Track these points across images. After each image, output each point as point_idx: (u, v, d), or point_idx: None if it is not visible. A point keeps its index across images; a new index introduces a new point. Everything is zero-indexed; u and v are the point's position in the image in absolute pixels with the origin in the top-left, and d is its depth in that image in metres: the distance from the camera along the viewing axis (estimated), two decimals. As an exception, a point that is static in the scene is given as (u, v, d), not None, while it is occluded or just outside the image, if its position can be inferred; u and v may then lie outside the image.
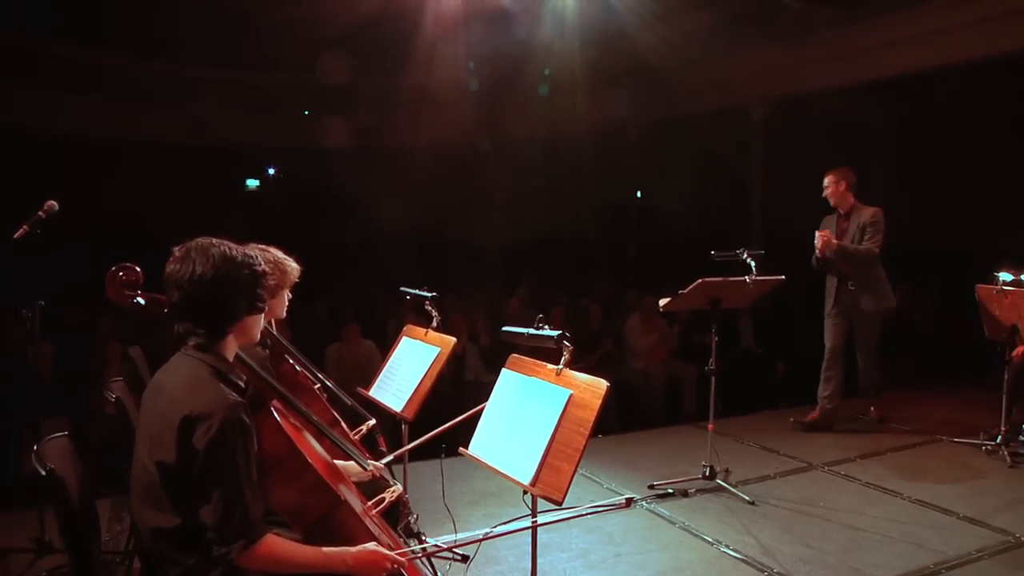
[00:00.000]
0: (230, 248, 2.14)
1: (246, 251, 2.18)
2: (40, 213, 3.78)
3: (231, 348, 2.20)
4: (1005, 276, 5.47)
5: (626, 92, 13.01)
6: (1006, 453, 5.40)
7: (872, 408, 6.36)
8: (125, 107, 12.81)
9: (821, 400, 6.19)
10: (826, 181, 6.05)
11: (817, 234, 5.87)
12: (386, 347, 4.15)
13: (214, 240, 2.14)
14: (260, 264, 2.20)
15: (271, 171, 16.87)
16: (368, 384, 3.96)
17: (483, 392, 2.95)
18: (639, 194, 15.52)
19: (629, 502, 2.41)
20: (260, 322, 2.27)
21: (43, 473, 2.05)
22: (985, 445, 5.61)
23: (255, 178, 16.75)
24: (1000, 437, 5.52)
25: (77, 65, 12.02)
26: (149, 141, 12.97)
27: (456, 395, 7.01)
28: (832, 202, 6.04)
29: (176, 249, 2.12)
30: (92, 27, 11.21)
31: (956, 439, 5.87)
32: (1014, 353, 5.65)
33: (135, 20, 11.00)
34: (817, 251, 5.89)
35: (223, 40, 11.39)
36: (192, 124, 13.25)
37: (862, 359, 6.23)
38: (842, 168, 6.04)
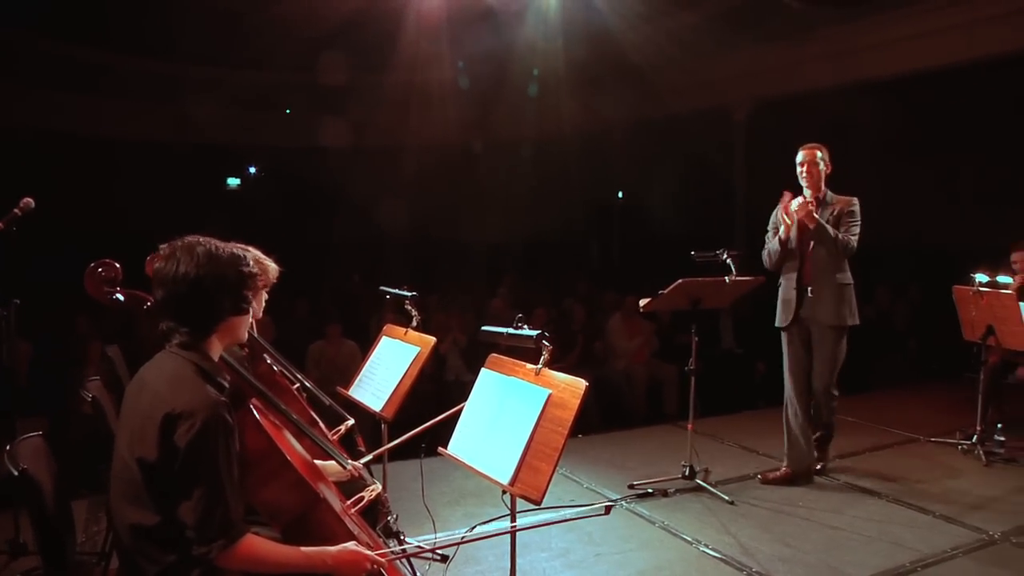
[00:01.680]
0: (216, 247, 2.12)
1: (234, 251, 2.17)
2: (16, 210, 3.74)
3: (216, 348, 2.18)
4: (981, 277, 5.54)
5: (611, 92, 13.05)
6: (981, 452, 5.47)
7: (817, 455, 5.19)
8: (109, 105, 12.72)
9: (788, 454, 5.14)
10: (807, 156, 4.90)
11: (791, 201, 4.84)
12: (368, 347, 4.14)
13: (201, 239, 2.13)
14: (248, 265, 2.19)
15: (252, 170, 16.77)
16: (349, 384, 3.95)
17: (464, 391, 2.95)
18: (620, 194, 15.57)
19: (608, 510, 2.41)
20: (247, 323, 2.26)
21: (15, 473, 2.03)
22: (961, 444, 5.68)
23: (236, 176, 16.63)
24: (976, 436, 5.58)
25: (59, 62, 11.90)
26: (133, 139, 12.87)
27: (438, 394, 7.01)
28: (807, 184, 4.91)
29: (163, 247, 2.12)
30: (75, 24, 11.10)
31: (933, 439, 5.94)
32: (990, 358, 5.73)
33: (120, 18, 10.91)
34: (785, 215, 4.87)
35: (209, 38, 11.32)
36: (176, 122, 13.17)
37: (821, 392, 5.02)
38: (821, 145, 4.97)
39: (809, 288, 4.91)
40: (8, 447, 2.13)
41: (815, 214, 4.77)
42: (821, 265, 4.88)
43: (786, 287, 5.04)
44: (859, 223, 4.86)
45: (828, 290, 4.86)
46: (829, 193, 4.95)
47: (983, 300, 5.48)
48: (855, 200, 4.90)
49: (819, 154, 4.90)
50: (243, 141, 14.45)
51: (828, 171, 4.94)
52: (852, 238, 4.80)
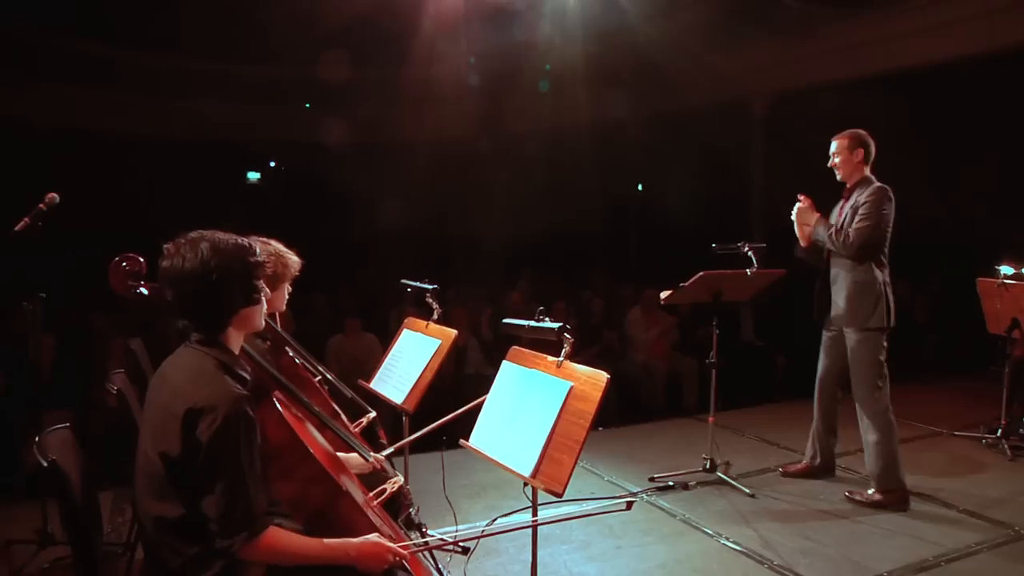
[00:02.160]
0: (220, 240, 2.09)
1: (239, 241, 2.14)
2: (41, 205, 3.78)
3: (235, 340, 2.18)
4: (1006, 269, 5.49)
5: (627, 86, 12.99)
6: (1006, 446, 5.42)
7: (874, 490, 4.56)
8: (126, 101, 12.79)
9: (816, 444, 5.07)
10: (836, 146, 4.65)
11: (798, 204, 4.76)
12: (388, 340, 4.16)
13: (205, 233, 2.10)
14: (255, 253, 2.16)
15: (272, 164, 16.84)
16: (368, 377, 3.96)
17: (484, 384, 2.95)
18: (640, 187, 15.52)
19: (630, 505, 2.40)
20: (261, 311, 2.24)
21: (44, 464, 2.06)
22: (985, 438, 5.63)
23: (256, 171, 16.70)
24: (1000, 430, 5.54)
25: (76, 59, 11.99)
26: (150, 135, 12.94)
27: (457, 388, 7.02)
28: (840, 175, 4.68)
29: (168, 245, 2.09)
30: (91, 20, 11.18)
31: (956, 432, 5.89)
32: (1015, 351, 5.67)
33: (135, 13, 10.97)
34: (796, 223, 4.80)
35: (224, 33, 11.37)
36: (193, 118, 13.23)
37: (857, 404, 4.66)
38: (857, 131, 4.66)
39: (832, 286, 4.71)
40: (37, 439, 2.16)
41: (814, 214, 4.69)
42: (839, 263, 4.67)
43: (819, 281, 4.82)
44: (875, 216, 4.43)
45: (846, 289, 4.59)
46: (865, 179, 4.59)
47: (1008, 292, 5.43)
48: (879, 189, 4.49)
49: (846, 142, 4.60)
50: (258, 137, 14.50)
51: (860, 157, 4.59)
52: (856, 234, 4.44)
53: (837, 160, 4.65)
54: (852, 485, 4.84)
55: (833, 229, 4.57)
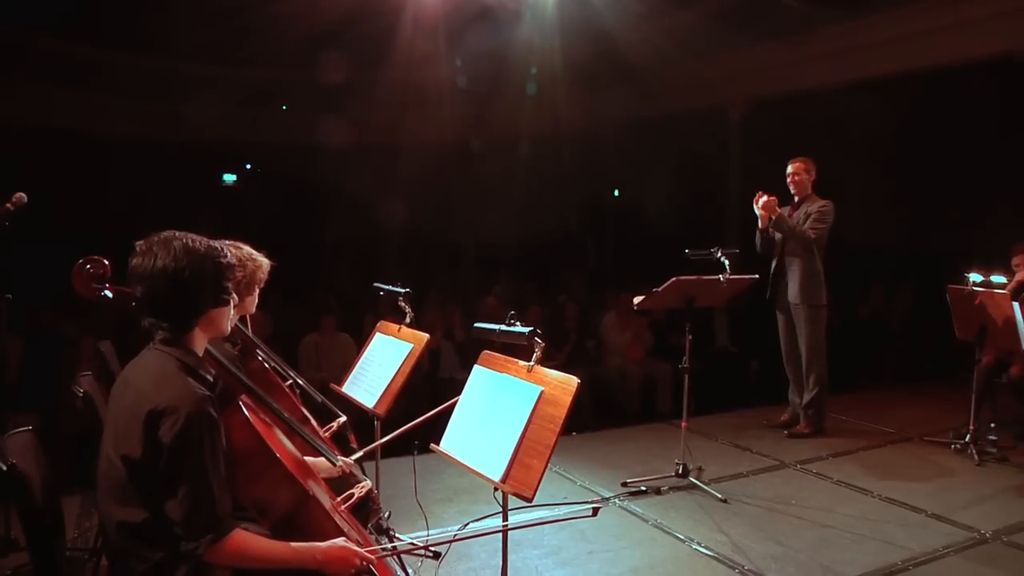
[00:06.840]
0: (193, 240, 2.11)
1: (211, 243, 2.16)
2: (8, 205, 3.72)
3: (199, 341, 2.18)
4: (975, 277, 5.56)
5: (608, 91, 13.03)
6: (974, 452, 5.48)
7: (803, 422, 6.04)
8: (103, 102, 12.63)
9: (792, 401, 6.21)
10: (793, 168, 5.91)
11: (761, 196, 5.71)
12: (362, 344, 4.14)
13: (177, 233, 2.12)
14: (226, 256, 2.17)
15: (248, 166, 16.70)
16: (341, 379, 3.94)
17: (458, 389, 2.94)
18: (617, 193, 15.58)
19: (595, 512, 2.41)
20: (229, 314, 2.24)
21: (4, 469, 2.02)
22: (954, 444, 5.69)
23: (232, 173, 16.55)
24: (969, 436, 5.60)
25: (54, 59, 11.84)
26: (128, 136, 12.81)
27: (431, 392, 7.00)
28: (793, 190, 5.93)
29: (139, 243, 2.10)
30: (70, 21, 11.05)
31: (926, 438, 5.96)
32: (984, 358, 5.74)
33: (115, 14, 10.86)
34: (759, 210, 5.72)
35: (205, 35, 11.27)
36: (171, 119, 13.12)
37: (805, 364, 5.92)
38: (809, 158, 5.96)
39: (784, 272, 5.90)
40: (-2, 442, 2.13)
41: (778, 209, 5.71)
42: (791, 253, 5.85)
43: (773, 268, 6.00)
44: (825, 223, 5.73)
45: (797, 274, 5.80)
46: (810, 195, 5.90)
47: (977, 300, 5.50)
48: (827, 203, 5.79)
49: (804, 166, 5.89)
50: (238, 138, 14.39)
51: (813, 178, 5.92)
52: (810, 232, 5.67)
53: (796, 179, 5.91)
54: (823, 490, 4.91)
55: (792, 223, 5.74)
